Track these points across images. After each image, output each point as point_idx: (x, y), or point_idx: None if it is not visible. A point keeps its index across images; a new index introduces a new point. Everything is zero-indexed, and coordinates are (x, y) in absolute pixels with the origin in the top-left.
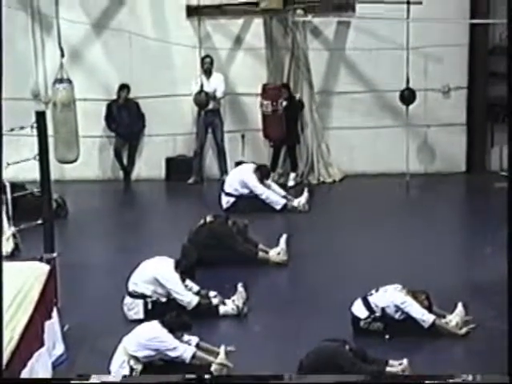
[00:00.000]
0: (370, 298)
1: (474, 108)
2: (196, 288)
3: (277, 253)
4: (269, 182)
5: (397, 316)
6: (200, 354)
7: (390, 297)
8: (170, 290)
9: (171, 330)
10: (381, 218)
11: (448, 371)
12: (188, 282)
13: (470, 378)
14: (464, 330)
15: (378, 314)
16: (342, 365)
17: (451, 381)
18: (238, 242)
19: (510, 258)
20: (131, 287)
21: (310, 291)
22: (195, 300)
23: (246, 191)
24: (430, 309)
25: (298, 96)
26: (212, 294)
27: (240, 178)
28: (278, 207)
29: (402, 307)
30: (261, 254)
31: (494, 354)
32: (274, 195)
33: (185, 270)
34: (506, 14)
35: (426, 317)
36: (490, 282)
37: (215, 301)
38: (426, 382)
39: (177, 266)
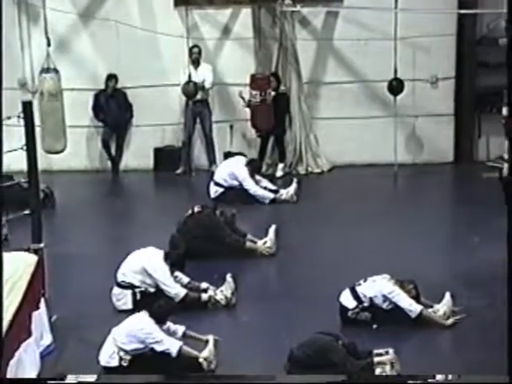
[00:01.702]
0: (358, 288)
1: (462, 98)
2: (186, 280)
3: (265, 243)
4: (259, 177)
5: (384, 306)
6: (186, 348)
7: (378, 287)
8: (157, 281)
9: (159, 320)
10: (369, 208)
11: (435, 361)
12: (178, 273)
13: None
14: (451, 321)
15: (365, 304)
16: (334, 360)
17: (451, 380)
18: (226, 233)
19: (509, 256)
20: (120, 277)
21: (298, 282)
22: (182, 292)
23: (235, 183)
24: (417, 298)
25: (282, 87)
26: (204, 285)
27: (231, 170)
28: (266, 201)
29: (389, 297)
30: (248, 244)
31: (481, 343)
32: (261, 191)
33: (175, 262)
34: (503, 8)
35: (413, 307)
36: (477, 272)
37: (205, 296)
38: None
39: (166, 258)
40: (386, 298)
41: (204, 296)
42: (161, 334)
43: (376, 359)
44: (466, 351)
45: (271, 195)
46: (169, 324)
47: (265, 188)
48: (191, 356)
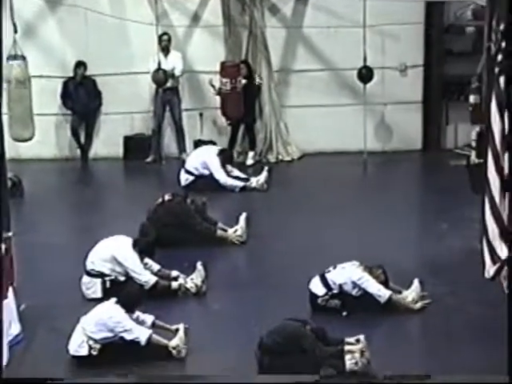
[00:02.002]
0: (328, 275)
1: (430, 86)
2: (157, 267)
3: (235, 231)
4: (230, 167)
5: (354, 292)
6: (155, 337)
7: (348, 273)
8: (127, 269)
9: (127, 309)
10: (339, 196)
11: (403, 347)
12: (148, 261)
13: None
14: (419, 305)
15: (335, 291)
16: (304, 347)
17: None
18: (197, 221)
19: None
20: (89, 266)
21: (268, 269)
22: (153, 280)
23: (206, 172)
24: (386, 283)
25: (258, 80)
26: (174, 273)
27: (202, 159)
28: (237, 190)
29: (358, 283)
30: (219, 232)
31: (449, 329)
32: (231, 181)
33: (143, 249)
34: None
35: (382, 292)
36: (445, 259)
37: (176, 284)
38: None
39: (135, 245)
40: (355, 285)
41: (174, 284)
42: (130, 323)
43: (346, 347)
44: (435, 337)
45: (241, 184)
46: (138, 314)
47: (236, 177)
48: (161, 344)
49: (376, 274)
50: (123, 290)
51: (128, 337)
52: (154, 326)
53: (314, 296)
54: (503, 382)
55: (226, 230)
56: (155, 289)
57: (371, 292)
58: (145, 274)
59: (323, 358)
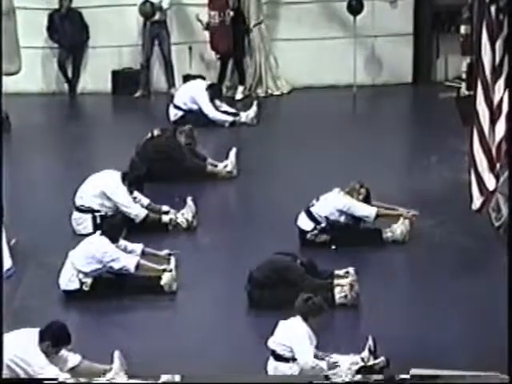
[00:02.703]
0: (313, 209)
1: (421, 17)
2: (146, 201)
3: (225, 167)
4: (219, 102)
5: (342, 219)
6: (144, 262)
7: (332, 203)
8: (117, 203)
9: (112, 239)
10: (328, 130)
11: (392, 279)
12: (137, 194)
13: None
14: (410, 214)
15: (323, 225)
16: (293, 279)
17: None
18: (186, 157)
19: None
20: (78, 202)
21: (258, 205)
22: (143, 213)
23: (195, 107)
24: (368, 197)
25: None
26: (165, 208)
27: (191, 94)
28: (226, 125)
29: (344, 210)
30: (210, 168)
31: (437, 260)
32: (221, 115)
33: (132, 182)
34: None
35: (367, 212)
36: (434, 191)
37: (167, 218)
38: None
39: (124, 178)
40: (341, 212)
41: (165, 218)
42: (117, 252)
43: (336, 281)
44: (420, 268)
45: (230, 118)
46: (126, 243)
47: (225, 112)
48: (151, 276)
49: (358, 191)
50: (105, 222)
51: (116, 266)
52: (143, 254)
53: (302, 232)
54: (503, 382)
55: (216, 166)
56: (146, 222)
57: (359, 215)
58: (134, 207)
59: (313, 290)
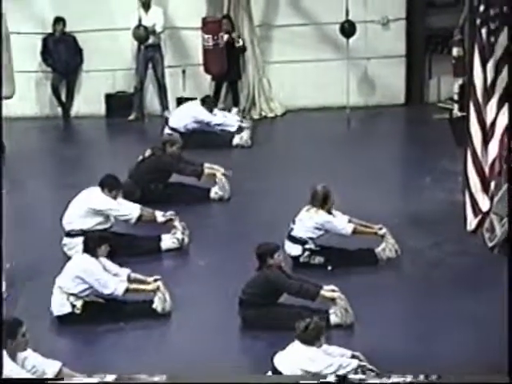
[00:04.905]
0: (294, 233)
1: (413, 39)
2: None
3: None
4: (216, 111)
5: (321, 233)
6: (133, 287)
7: (307, 223)
8: (107, 212)
9: (91, 253)
10: (322, 151)
11: (387, 298)
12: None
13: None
14: (383, 231)
15: (311, 246)
16: (279, 286)
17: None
18: (181, 167)
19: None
20: (68, 227)
21: (251, 226)
22: (135, 211)
23: (196, 126)
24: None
25: (240, 41)
26: (158, 213)
27: (191, 115)
28: (233, 129)
29: (321, 227)
30: (207, 170)
31: (431, 280)
32: (227, 119)
33: (110, 184)
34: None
35: (344, 230)
36: (427, 212)
37: (162, 218)
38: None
39: (102, 187)
40: (320, 229)
41: (160, 218)
42: (104, 275)
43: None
44: (414, 289)
45: (236, 119)
46: (113, 267)
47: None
48: (144, 300)
49: (329, 203)
50: (86, 237)
51: (105, 291)
52: (129, 279)
53: (293, 258)
54: (503, 381)
55: (213, 168)
56: (140, 221)
57: (336, 232)
58: (126, 208)
59: (297, 292)
